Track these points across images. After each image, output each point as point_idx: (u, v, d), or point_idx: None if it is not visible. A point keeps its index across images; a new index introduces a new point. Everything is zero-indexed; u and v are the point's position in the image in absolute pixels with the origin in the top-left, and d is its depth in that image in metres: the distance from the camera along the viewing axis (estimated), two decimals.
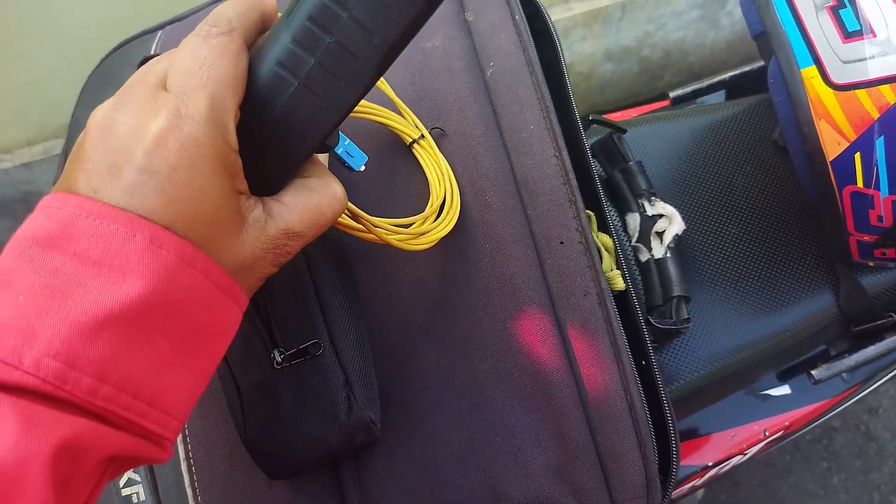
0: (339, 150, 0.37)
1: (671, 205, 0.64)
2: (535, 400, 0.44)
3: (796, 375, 0.73)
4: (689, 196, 0.69)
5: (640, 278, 0.63)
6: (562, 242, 0.46)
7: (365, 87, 0.30)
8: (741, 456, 0.74)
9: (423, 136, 0.49)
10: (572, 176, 0.47)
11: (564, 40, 1.34)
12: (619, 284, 0.49)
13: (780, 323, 0.64)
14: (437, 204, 0.46)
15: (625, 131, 0.66)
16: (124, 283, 0.25)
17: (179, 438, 0.45)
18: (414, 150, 0.49)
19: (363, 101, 0.45)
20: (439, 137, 0.50)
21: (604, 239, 0.52)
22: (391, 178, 0.49)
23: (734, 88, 0.81)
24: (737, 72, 0.80)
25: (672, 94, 0.81)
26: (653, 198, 0.64)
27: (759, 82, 0.79)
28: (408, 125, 0.49)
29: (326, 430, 0.40)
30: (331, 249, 0.45)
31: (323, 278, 0.43)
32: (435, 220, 0.46)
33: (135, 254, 0.25)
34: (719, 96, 0.83)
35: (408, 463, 0.44)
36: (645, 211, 0.64)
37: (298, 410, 0.40)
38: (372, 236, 0.40)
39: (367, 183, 0.49)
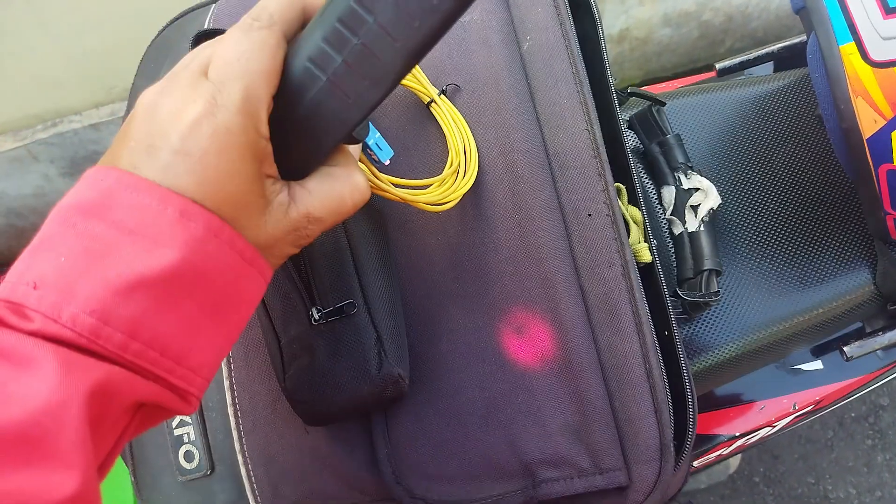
0: (370, 142, 0.39)
1: (709, 178, 0.64)
2: (556, 363, 0.46)
3: (830, 351, 0.73)
4: (727, 170, 0.69)
5: (673, 251, 0.64)
6: (589, 215, 0.47)
7: (388, 88, 0.32)
8: (770, 428, 0.74)
9: (440, 94, 0.50)
10: (602, 150, 0.48)
11: (621, 5, 1.31)
12: (646, 257, 0.51)
13: (814, 299, 0.64)
14: (455, 165, 0.48)
15: (664, 104, 0.66)
16: (156, 251, 0.27)
17: (227, 385, 0.49)
18: (432, 110, 0.50)
19: None
20: (471, 106, 0.51)
21: (633, 212, 0.53)
22: (415, 144, 0.51)
23: (783, 60, 0.79)
24: (786, 43, 0.78)
25: (718, 66, 0.80)
26: (689, 171, 0.64)
27: None
28: (425, 85, 0.50)
29: (358, 382, 0.43)
30: (368, 218, 0.47)
31: (360, 244, 0.46)
32: (455, 181, 0.48)
33: (166, 225, 0.27)
34: (767, 68, 0.81)
35: (433, 417, 0.47)
36: (681, 184, 0.64)
37: (333, 364, 0.43)
38: (395, 197, 0.43)
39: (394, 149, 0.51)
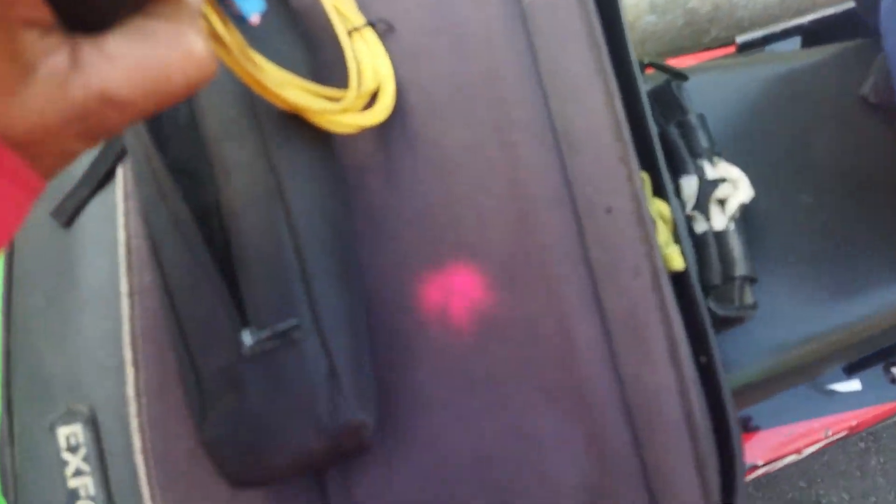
0: None
1: (736, 167, 0.55)
2: (566, 401, 0.37)
3: (867, 368, 0.64)
4: (756, 157, 0.59)
5: (694, 253, 0.55)
6: (608, 210, 0.39)
7: None
8: (796, 455, 0.66)
9: (367, 26, 0.41)
10: (626, 129, 0.40)
11: None
12: (678, 263, 0.41)
13: (856, 311, 0.56)
14: (366, 88, 0.38)
15: (686, 78, 0.57)
16: None
17: (135, 425, 0.38)
18: (352, 39, 0.40)
19: None
20: (455, 72, 0.41)
21: (660, 206, 0.43)
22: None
23: (811, 35, 0.71)
24: (817, 16, 0.70)
25: (739, 40, 0.71)
26: (715, 158, 0.55)
27: (843, 28, 0.69)
28: (351, 10, 0.41)
29: (304, 433, 0.32)
30: (323, 200, 0.37)
31: (309, 239, 0.35)
32: (362, 108, 0.39)
33: None
34: (793, 43, 0.73)
35: (407, 473, 0.36)
36: (705, 173, 0.55)
37: (269, 407, 0.32)
38: (273, 95, 0.32)
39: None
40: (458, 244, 0.39)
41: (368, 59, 0.40)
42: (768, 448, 0.64)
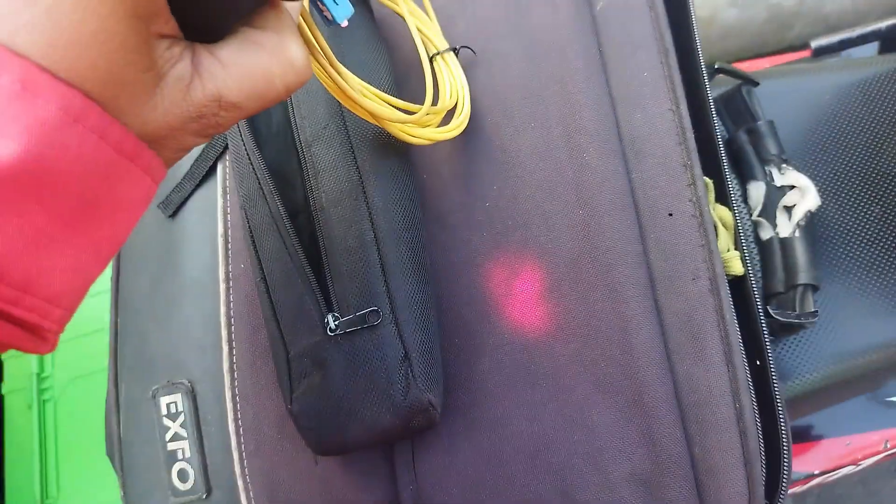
0: None
1: (805, 175, 0.55)
2: (623, 396, 0.38)
3: None
4: (826, 165, 0.58)
5: (758, 259, 0.55)
6: (670, 214, 0.40)
7: None
8: (853, 466, 0.65)
9: (450, 51, 0.43)
10: (690, 135, 0.40)
11: None
12: (737, 268, 0.42)
13: None
14: (442, 107, 0.40)
15: (757, 84, 0.56)
16: None
17: (228, 396, 0.42)
18: (434, 64, 0.42)
19: None
20: (529, 76, 0.43)
21: (722, 213, 0.44)
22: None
23: (889, 41, 0.68)
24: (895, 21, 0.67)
25: (814, 45, 0.69)
26: (783, 165, 0.55)
27: None
28: (435, 34, 0.43)
29: (379, 409, 0.35)
30: (402, 205, 0.39)
31: (389, 238, 0.37)
32: (439, 126, 0.40)
33: (2, 101, 0.19)
34: (870, 49, 0.70)
35: (469, 452, 0.39)
36: (773, 180, 0.55)
37: (349, 385, 0.35)
38: (353, 103, 0.34)
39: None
40: (524, 244, 0.41)
41: (448, 80, 0.42)
42: (825, 457, 0.63)
